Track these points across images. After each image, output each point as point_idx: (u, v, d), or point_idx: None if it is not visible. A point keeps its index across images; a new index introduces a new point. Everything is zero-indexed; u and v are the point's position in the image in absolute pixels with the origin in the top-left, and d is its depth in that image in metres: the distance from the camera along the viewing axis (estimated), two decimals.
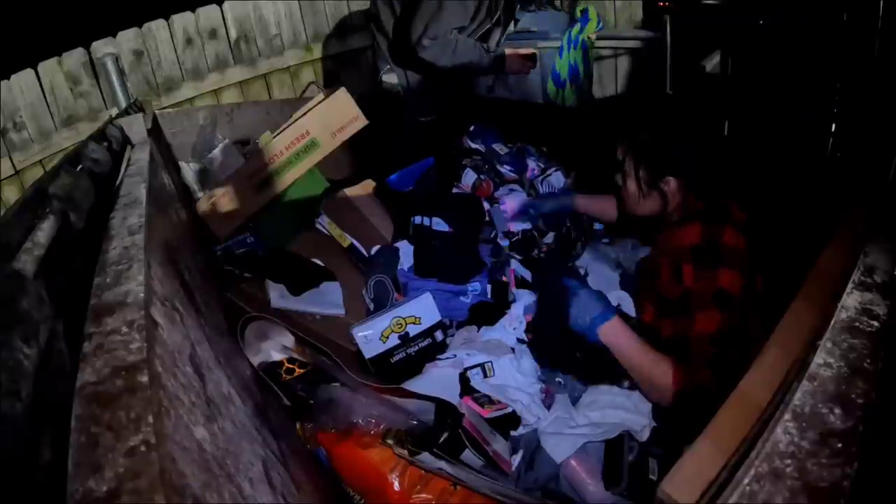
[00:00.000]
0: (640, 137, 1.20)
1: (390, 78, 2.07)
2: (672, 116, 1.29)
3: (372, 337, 1.23)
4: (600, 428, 1.11)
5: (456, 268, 1.46)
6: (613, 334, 1.05)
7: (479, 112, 2.00)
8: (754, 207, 1.15)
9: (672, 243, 1.15)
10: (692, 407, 0.97)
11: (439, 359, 1.23)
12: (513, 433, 1.15)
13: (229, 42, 2.80)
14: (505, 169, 1.71)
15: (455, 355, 1.22)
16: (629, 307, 1.28)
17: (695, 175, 1.16)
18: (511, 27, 2.11)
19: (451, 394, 1.11)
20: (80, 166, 0.99)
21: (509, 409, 1.16)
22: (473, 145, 1.78)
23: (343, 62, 3.00)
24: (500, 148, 1.78)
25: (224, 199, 1.52)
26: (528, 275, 1.47)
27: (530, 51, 2.03)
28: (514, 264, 1.48)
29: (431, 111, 2.04)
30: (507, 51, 2.00)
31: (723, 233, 1.07)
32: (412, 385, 1.13)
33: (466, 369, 1.20)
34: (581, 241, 1.58)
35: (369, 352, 1.24)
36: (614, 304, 1.16)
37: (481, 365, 1.21)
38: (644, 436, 1.10)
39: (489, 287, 1.43)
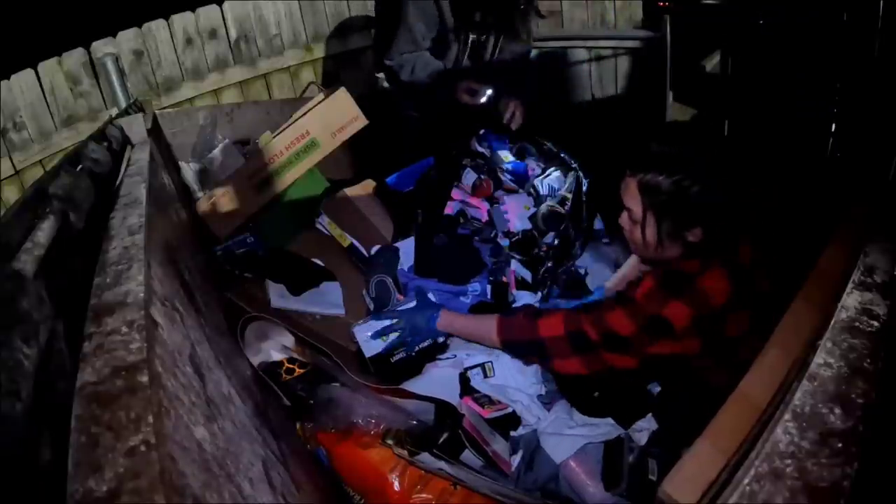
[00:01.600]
0: (659, 185, 1.01)
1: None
2: (679, 151, 1.06)
3: (372, 336, 1.23)
4: (600, 429, 1.11)
5: (456, 268, 1.46)
6: (448, 323, 1.21)
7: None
8: (754, 207, 1.12)
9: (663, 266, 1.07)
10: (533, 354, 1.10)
11: (440, 359, 1.23)
12: (512, 433, 1.15)
13: (229, 42, 2.80)
14: (506, 177, 1.71)
15: (455, 355, 1.22)
16: None
17: (720, 220, 1.02)
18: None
19: (451, 394, 1.11)
20: (80, 166, 0.99)
21: (509, 410, 1.16)
22: (480, 149, 1.77)
23: (343, 62, 2.99)
24: (504, 155, 1.77)
25: (224, 199, 1.52)
26: (528, 275, 1.47)
27: (480, 86, 1.79)
28: (515, 265, 1.48)
29: (422, 110, 2.01)
30: (461, 84, 1.82)
31: (705, 272, 0.97)
32: (412, 385, 1.13)
33: (467, 369, 1.21)
34: (580, 242, 1.57)
35: (369, 351, 1.24)
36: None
37: (481, 365, 1.21)
38: (643, 436, 1.10)
39: (489, 287, 1.43)
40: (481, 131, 1.81)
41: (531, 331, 1.08)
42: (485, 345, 1.19)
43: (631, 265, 1.35)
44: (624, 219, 1.09)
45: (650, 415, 1.11)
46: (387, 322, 1.23)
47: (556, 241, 1.53)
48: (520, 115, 1.78)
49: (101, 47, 2.53)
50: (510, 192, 1.69)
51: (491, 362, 1.22)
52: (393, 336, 1.22)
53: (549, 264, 1.50)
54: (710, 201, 1.00)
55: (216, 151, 1.66)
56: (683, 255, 1.04)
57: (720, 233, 1.01)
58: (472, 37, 1.81)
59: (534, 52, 2.92)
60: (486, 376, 1.21)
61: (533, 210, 1.62)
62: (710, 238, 1.01)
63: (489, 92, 1.76)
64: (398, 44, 1.80)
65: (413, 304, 1.25)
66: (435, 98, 1.84)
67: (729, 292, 0.95)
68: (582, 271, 1.53)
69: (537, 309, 1.15)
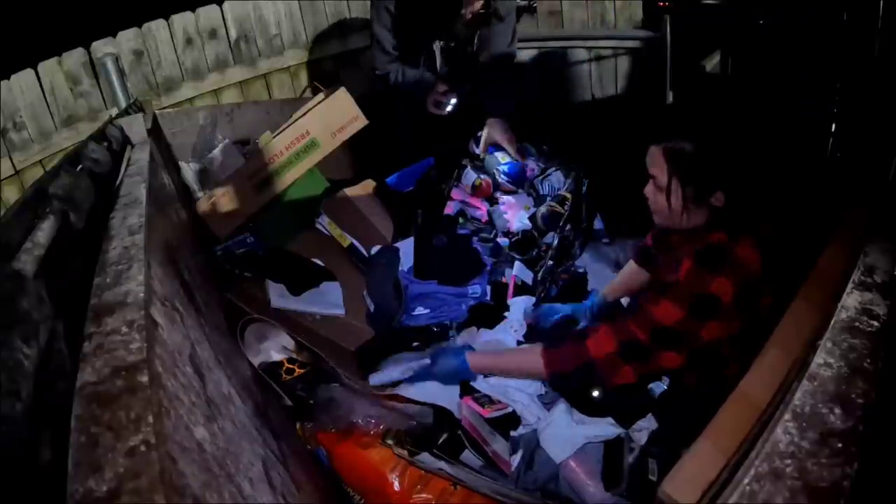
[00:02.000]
0: (682, 150, 1.04)
1: None
2: (702, 119, 1.12)
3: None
4: (600, 428, 1.11)
5: (456, 268, 1.46)
6: (480, 363, 1.17)
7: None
8: (754, 207, 1.12)
9: (691, 244, 1.07)
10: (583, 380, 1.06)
11: None
12: (512, 433, 1.15)
13: (229, 42, 2.79)
14: (502, 179, 1.70)
15: None
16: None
17: (742, 185, 1.04)
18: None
19: (451, 394, 1.12)
20: (80, 166, 0.99)
21: (509, 409, 1.16)
22: (477, 150, 1.77)
23: (343, 62, 2.99)
24: (501, 156, 1.76)
25: (224, 199, 1.52)
26: (528, 277, 1.47)
27: (444, 96, 1.77)
28: (517, 267, 1.46)
29: (409, 116, 1.99)
30: (429, 95, 1.80)
31: (738, 242, 0.99)
32: (410, 391, 1.14)
33: None
34: (580, 242, 1.58)
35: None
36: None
37: None
38: (643, 436, 1.10)
39: (489, 288, 1.43)
40: (479, 133, 1.80)
41: (581, 355, 1.04)
42: (525, 378, 1.16)
43: (629, 272, 1.34)
44: (649, 188, 1.10)
45: (650, 414, 1.11)
46: (415, 373, 1.20)
47: (555, 242, 1.53)
48: (500, 135, 1.72)
49: (101, 47, 2.53)
50: (508, 192, 1.69)
51: None
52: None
53: (550, 263, 1.50)
54: (733, 165, 1.02)
55: (216, 151, 1.66)
56: (709, 223, 1.05)
57: (743, 199, 1.03)
58: (440, 43, 1.77)
59: (534, 53, 2.93)
60: (486, 376, 1.21)
61: (533, 210, 1.61)
62: (733, 204, 1.03)
63: (453, 101, 1.74)
64: (375, 53, 1.81)
65: (427, 360, 1.21)
66: (417, 106, 1.83)
67: (760, 262, 0.97)
68: (581, 271, 1.53)
69: (579, 331, 1.11)
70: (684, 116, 1.12)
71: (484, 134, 1.74)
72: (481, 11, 1.63)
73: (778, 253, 1.00)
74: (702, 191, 1.03)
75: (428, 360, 1.20)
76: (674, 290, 0.99)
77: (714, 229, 1.03)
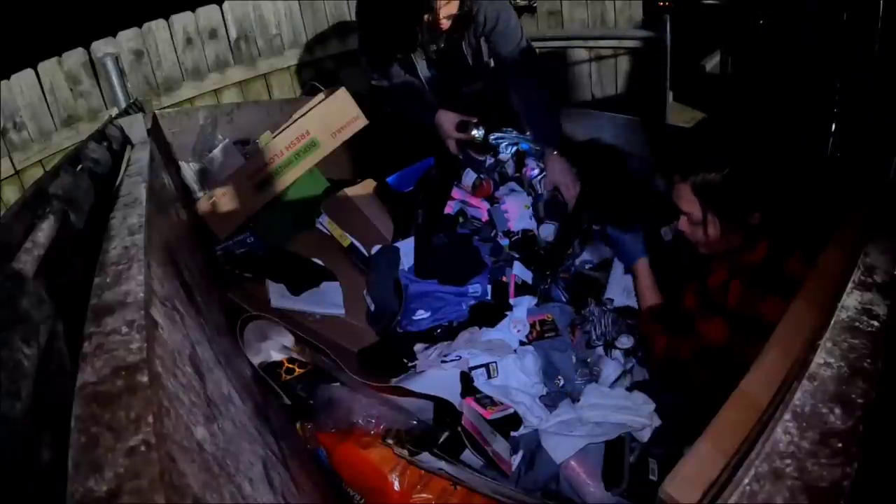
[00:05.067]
0: (711, 182, 1.06)
1: None
2: (722, 147, 1.12)
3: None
4: (601, 428, 1.11)
5: (456, 268, 1.46)
6: (641, 273, 1.30)
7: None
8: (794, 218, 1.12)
9: (734, 255, 1.09)
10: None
11: (444, 360, 1.23)
12: (513, 433, 1.15)
13: (229, 42, 2.80)
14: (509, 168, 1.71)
15: (460, 356, 1.22)
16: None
17: (776, 199, 1.06)
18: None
19: (452, 394, 1.11)
20: (80, 166, 0.99)
21: (511, 411, 1.16)
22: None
23: (343, 62, 2.99)
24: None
25: (224, 199, 1.52)
26: (528, 277, 1.47)
27: (472, 119, 1.66)
28: (517, 267, 1.46)
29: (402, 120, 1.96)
30: (444, 114, 1.70)
31: (789, 258, 1.00)
32: (412, 385, 1.13)
33: (471, 369, 1.21)
34: (579, 240, 1.57)
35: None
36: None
37: (486, 365, 1.21)
38: (645, 436, 1.10)
39: (489, 287, 1.43)
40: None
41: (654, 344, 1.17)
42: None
43: (646, 283, 1.32)
44: (684, 223, 1.12)
45: (653, 412, 1.11)
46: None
47: (554, 236, 1.53)
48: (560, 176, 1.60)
49: (101, 47, 2.54)
50: (510, 180, 1.69)
51: (495, 362, 1.22)
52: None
53: (548, 260, 1.50)
54: (765, 185, 1.05)
55: (216, 151, 1.66)
56: (746, 240, 1.07)
57: (779, 212, 1.05)
58: (432, 47, 1.70)
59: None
60: (490, 377, 1.21)
61: (533, 209, 1.61)
62: (770, 218, 1.05)
63: (481, 130, 1.65)
64: (367, 59, 1.78)
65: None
66: (409, 118, 1.77)
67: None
68: (591, 271, 1.52)
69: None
70: (701, 147, 1.14)
71: (547, 172, 1.64)
72: (458, 13, 1.56)
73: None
74: (737, 216, 1.06)
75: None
76: (724, 310, 1.03)
77: (755, 243, 1.05)
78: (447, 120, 1.68)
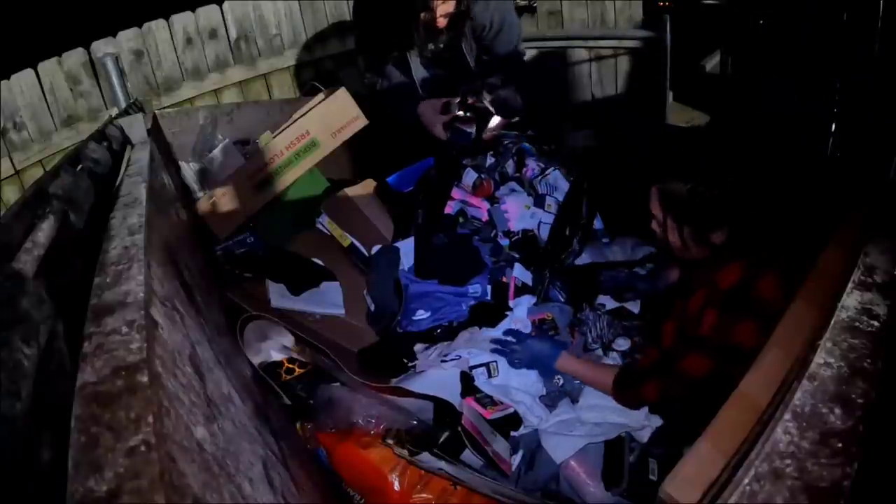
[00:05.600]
0: (674, 192, 1.07)
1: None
2: (697, 160, 1.11)
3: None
4: (600, 428, 1.11)
5: (456, 268, 1.45)
6: (566, 365, 1.20)
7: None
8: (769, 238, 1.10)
9: (710, 278, 1.05)
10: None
11: (444, 360, 1.23)
12: (513, 433, 1.15)
13: (229, 42, 2.80)
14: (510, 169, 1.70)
15: (460, 356, 1.22)
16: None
17: (745, 220, 1.04)
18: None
19: (452, 394, 1.11)
20: (80, 166, 0.99)
21: (511, 410, 1.16)
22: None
23: (343, 62, 2.99)
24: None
25: (224, 199, 1.52)
26: (528, 279, 1.47)
27: (453, 100, 1.65)
28: (516, 269, 1.46)
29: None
30: (424, 104, 1.69)
31: (760, 281, 0.98)
32: (412, 385, 1.13)
33: (471, 368, 1.21)
34: (579, 239, 1.57)
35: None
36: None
37: (486, 365, 1.22)
38: (644, 436, 1.10)
39: (489, 288, 1.43)
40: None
41: (639, 397, 1.10)
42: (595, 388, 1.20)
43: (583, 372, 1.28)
44: (653, 224, 1.14)
45: (651, 414, 1.11)
46: (506, 338, 1.26)
47: (550, 230, 1.53)
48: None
49: (101, 47, 2.53)
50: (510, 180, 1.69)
51: (496, 362, 1.22)
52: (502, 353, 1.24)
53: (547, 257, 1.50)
54: (731, 205, 1.03)
55: (216, 151, 1.66)
56: (714, 258, 1.07)
57: (749, 234, 1.04)
58: (429, 46, 1.69)
59: (534, 53, 2.92)
60: (490, 376, 1.21)
61: (533, 210, 1.61)
62: (736, 239, 1.04)
63: (474, 129, 1.64)
64: (362, 57, 1.78)
65: (536, 339, 1.26)
66: (404, 119, 1.75)
67: (783, 295, 0.95)
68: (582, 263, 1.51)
69: (637, 377, 1.12)
70: (683, 155, 1.13)
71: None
72: (455, 12, 1.55)
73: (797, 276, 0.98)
74: (699, 230, 1.06)
75: (512, 339, 1.25)
76: (702, 343, 1.00)
77: (728, 261, 1.03)
78: (428, 107, 1.68)
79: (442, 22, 1.56)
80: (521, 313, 1.33)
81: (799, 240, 1.00)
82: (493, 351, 1.25)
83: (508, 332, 1.28)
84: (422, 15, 1.53)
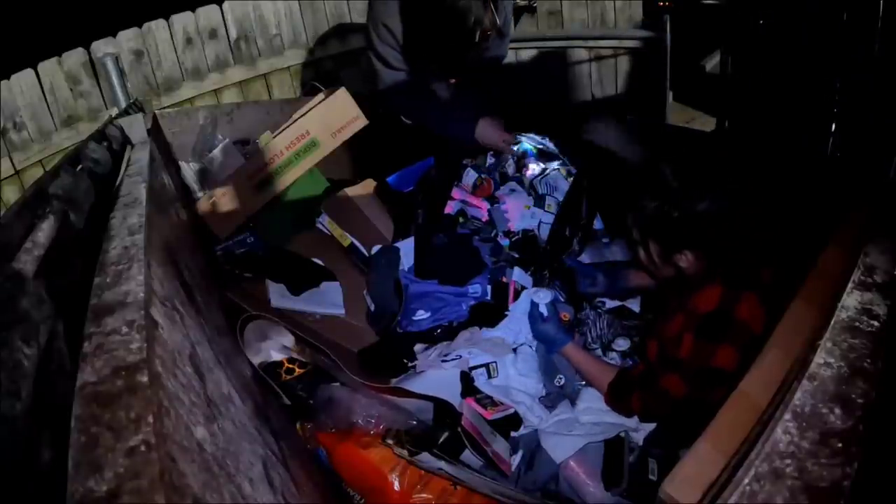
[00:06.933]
0: (644, 207, 1.07)
1: None
2: (679, 176, 1.07)
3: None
4: (599, 427, 1.11)
5: (456, 268, 1.45)
6: (571, 350, 1.21)
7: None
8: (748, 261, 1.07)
9: (690, 300, 1.05)
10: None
11: (444, 360, 1.23)
12: (513, 434, 1.15)
13: (229, 42, 2.80)
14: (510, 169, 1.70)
15: (461, 356, 1.22)
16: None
17: (716, 243, 1.03)
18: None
19: (452, 394, 1.11)
20: (80, 166, 0.99)
21: (511, 411, 1.16)
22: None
23: (343, 62, 2.99)
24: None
25: (224, 199, 1.52)
26: (528, 282, 1.46)
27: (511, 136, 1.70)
28: (516, 273, 1.46)
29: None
30: (484, 122, 1.68)
31: (739, 303, 0.97)
32: (412, 385, 1.13)
33: (471, 369, 1.21)
34: (579, 238, 1.57)
35: None
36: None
37: (486, 365, 1.21)
38: (641, 436, 1.10)
39: (489, 288, 1.43)
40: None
41: (628, 406, 1.11)
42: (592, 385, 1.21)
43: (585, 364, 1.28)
44: (628, 236, 1.18)
45: None
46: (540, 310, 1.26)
47: (550, 230, 1.53)
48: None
49: (101, 47, 2.54)
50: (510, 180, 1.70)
51: (495, 363, 1.22)
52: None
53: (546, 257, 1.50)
54: (693, 229, 1.03)
55: (216, 151, 1.66)
56: (686, 277, 1.08)
57: (722, 256, 1.03)
58: (451, 81, 1.70)
59: (534, 53, 2.93)
60: (490, 377, 1.21)
61: (533, 210, 1.61)
62: (706, 264, 1.04)
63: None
64: (381, 75, 1.74)
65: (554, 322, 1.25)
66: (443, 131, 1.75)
67: (765, 320, 0.95)
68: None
69: (626, 388, 1.12)
70: (660, 174, 1.09)
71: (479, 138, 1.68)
72: (489, 30, 1.54)
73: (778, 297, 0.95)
74: (665, 249, 1.07)
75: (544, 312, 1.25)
76: (679, 365, 1.00)
77: (706, 282, 1.03)
78: (489, 124, 1.68)
79: (482, 37, 1.54)
80: (520, 313, 1.33)
81: (798, 241, 1.00)
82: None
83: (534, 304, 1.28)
84: (478, 31, 1.50)
